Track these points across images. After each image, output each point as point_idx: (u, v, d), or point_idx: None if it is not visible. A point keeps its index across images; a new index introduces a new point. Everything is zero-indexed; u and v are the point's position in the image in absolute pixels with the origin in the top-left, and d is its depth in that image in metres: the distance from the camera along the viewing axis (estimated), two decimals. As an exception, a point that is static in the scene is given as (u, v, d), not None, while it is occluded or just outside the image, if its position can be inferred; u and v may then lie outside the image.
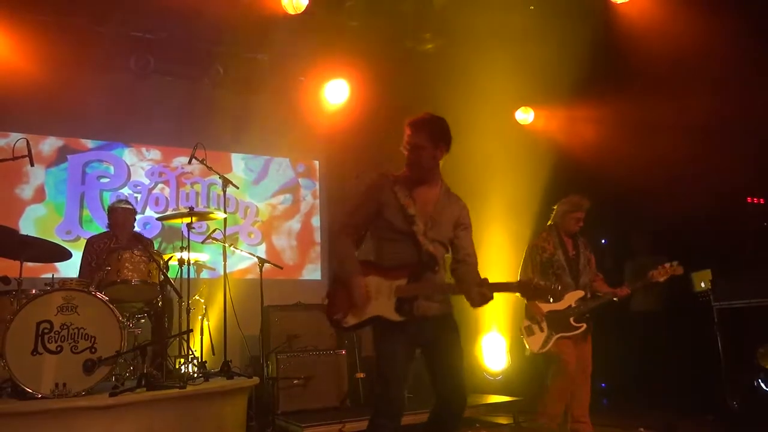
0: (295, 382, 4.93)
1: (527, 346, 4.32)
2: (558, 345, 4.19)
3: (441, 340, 2.75)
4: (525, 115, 6.90)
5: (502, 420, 5.22)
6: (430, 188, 2.84)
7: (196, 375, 4.16)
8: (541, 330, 4.25)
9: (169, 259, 4.66)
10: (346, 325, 2.76)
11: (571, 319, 4.20)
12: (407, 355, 2.72)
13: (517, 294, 2.78)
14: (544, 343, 4.22)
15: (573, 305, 4.21)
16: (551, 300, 4.06)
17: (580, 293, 4.25)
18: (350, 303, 2.72)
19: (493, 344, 6.47)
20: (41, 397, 3.18)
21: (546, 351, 4.20)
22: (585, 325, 4.19)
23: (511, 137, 6.67)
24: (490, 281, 2.65)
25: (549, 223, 4.52)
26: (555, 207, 4.49)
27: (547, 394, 4.26)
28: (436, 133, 2.80)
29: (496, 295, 2.68)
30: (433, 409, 2.78)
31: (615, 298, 4.25)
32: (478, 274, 2.78)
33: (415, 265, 2.73)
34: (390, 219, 2.76)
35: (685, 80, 5.11)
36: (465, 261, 2.85)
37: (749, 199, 5.22)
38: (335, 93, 6.72)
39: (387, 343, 2.70)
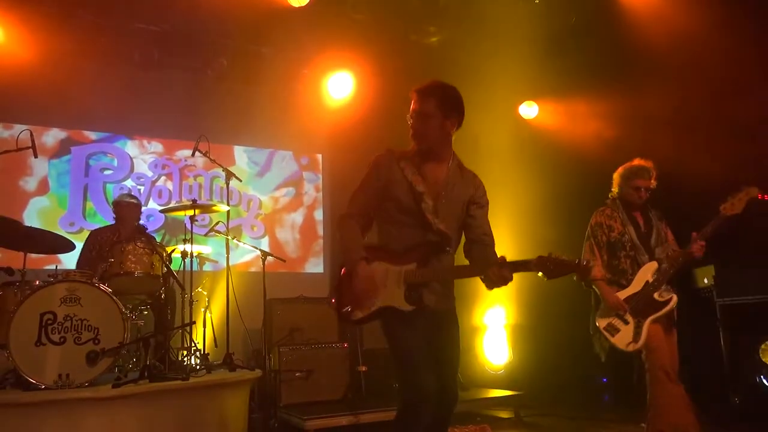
0: (297, 374, 4.95)
1: (616, 345, 3.55)
2: (649, 332, 3.48)
3: (443, 334, 2.58)
4: (529, 109, 6.88)
5: (504, 414, 5.23)
6: (440, 164, 2.61)
7: (198, 367, 4.18)
8: (626, 322, 3.56)
9: (173, 251, 4.68)
10: (354, 319, 2.53)
11: (656, 295, 3.52)
12: (424, 339, 2.49)
13: (539, 274, 2.43)
14: (636, 335, 3.50)
15: (650, 280, 3.55)
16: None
17: (654, 265, 3.58)
18: (357, 296, 2.49)
19: (496, 339, 6.47)
20: (45, 388, 3.20)
21: (642, 344, 3.47)
22: (674, 296, 3.51)
23: (516, 131, 6.66)
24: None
25: (611, 194, 3.83)
26: (614, 176, 3.81)
27: (651, 408, 3.45)
28: (447, 102, 2.56)
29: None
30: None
31: (696, 253, 3.48)
32: (496, 255, 2.52)
33: (425, 246, 2.51)
34: (397, 197, 2.54)
35: (690, 75, 5.08)
36: (481, 240, 2.62)
37: (759, 196, 5.19)
38: (339, 86, 6.71)
39: (402, 331, 2.48)
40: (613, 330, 3.58)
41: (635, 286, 3.56)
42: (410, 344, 2.47)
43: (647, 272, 3.57)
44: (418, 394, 2.40)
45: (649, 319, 3.48)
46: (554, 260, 2.31)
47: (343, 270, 2.60)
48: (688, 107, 5.02)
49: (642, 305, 3.52)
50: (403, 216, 2.55)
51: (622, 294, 3.57)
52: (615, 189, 3.78)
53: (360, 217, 2.62)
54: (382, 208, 2.61)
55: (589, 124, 6.02)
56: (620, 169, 3.76)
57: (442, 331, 2.58)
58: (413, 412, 2.41)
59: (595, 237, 3.73)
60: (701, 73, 4.96)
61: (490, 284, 2.42)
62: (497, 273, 2.35)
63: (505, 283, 2.37)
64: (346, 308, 2.54)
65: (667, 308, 3.50)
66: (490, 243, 2.64)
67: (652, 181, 3.67)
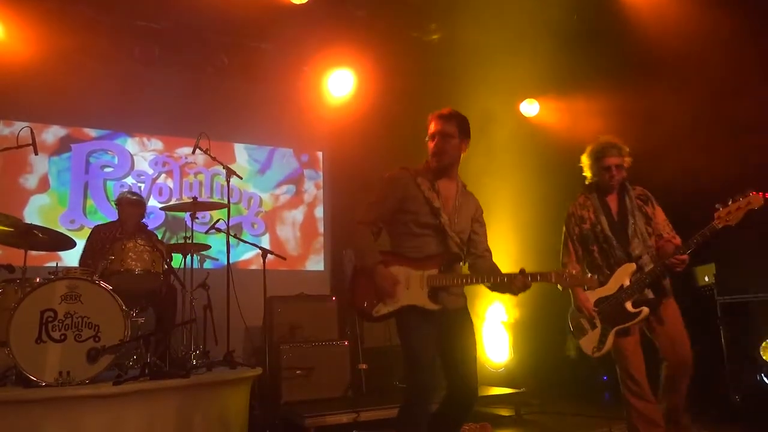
0: (297, 372, 4.95)
1: (582, 347, 3.37)
2: (618, 343, 3.23)
3: (459, 331, 2.81)
4: (530, 107, 6.86)
5: (504, 412, 5.23)
6: (450, 182, 2.90)
7: (199, 365, 4.18)
8: (593, 326, 3.28)
9: (175, 247, 4.68)
10: (376, 314, 2.76)
11: (628, 304, 3.18)
12: (436, 341, 2.74)
13: (558, 286, 2.75)
14: (600, 342, 3.24)
15: (626, 284, 3.19)
16: (586, 288, 3.29)
17: (630, 266, 3.21)
18: (376, 293, 2.73)
19: (496, 337, 6.48)
20: (45, 385, 3.20)
21: (605, 352, 3.25)
22: (646, 310, 3.16)
23: (516, 129, 6.64)
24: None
25: (587, 181, 3.49)
26: (582, 158, 3.46)
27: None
28: (463, 126, 2.88)
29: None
30: (443, 400, 2.80)
31: (676, 267, 3.14)
32: (497, 266, 2.88)
33: (445, 255, 2.78)
34: (415, 212, 2.79)
35: (690, 72, 5.06)
36: (484, 256, 2.93)
37: (753, 193, 5.18)
38: (340, 83, 6.70)
39: (418, 331, 2.71)
40: (580, 332, 3.38)
41: (610, 288, 3.25)
42: (422, 344, 2.70)
43: (624, 275, 3.23)
44: (423, 392, 2.65)
45: (614, 329, 3.22)
46: (566, 275, 2.66)
47: (355, 271, 2.86)
48: (692, 105, 5.01)
49: (611, 311, 3.23)
50: (421, 228, 2.80)
51: (595, 294, 3.29)
52: (587, 173, 3.44)
53: (373, 225, 2.89)
54: (399, 220, 2.85)
55: (591, 123, 6.00)
56: (587, 149, 3.42)
57: (459, 329, 2.82)
58: (416, 410, 2.65)
59: (568, 229, 3.46)
60: (705, 70, 4.95)
61: (515, 290, 2.68)
62: (522, 281, 2.64)
63: (525, 290, 2.67)
64: (365, 305, 2.77)
65: (634, 321, 3.19)
66: (491, 258, 2.96)
67: (625, 158, 3.34)
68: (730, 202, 3.10)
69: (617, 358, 3.27)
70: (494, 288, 2.79)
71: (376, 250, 2.79)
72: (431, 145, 2.87)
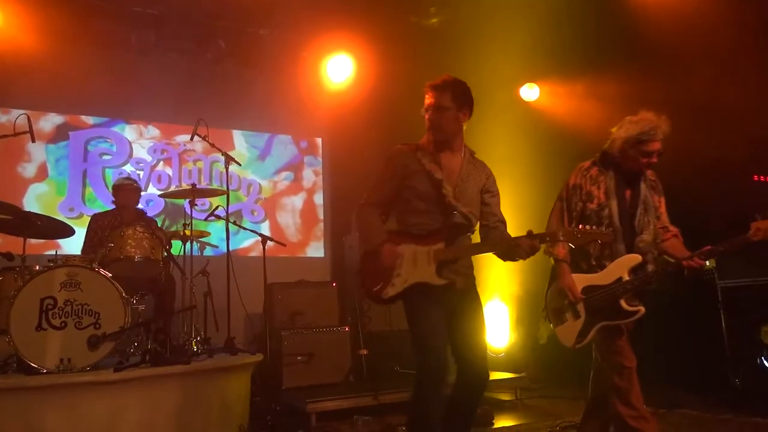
0: (298, 358, 4.96)
1: (557, 336, 3.02)
2: (598, 338, 2.88)
3: (468, 312, 2.74)
4: (530, 91, 6.81)
5: (505, 396, 5.25)
6: (454, 154, 2.78)
7: (199, 351, 4.19)
8: (577, 315, 2.89)
9: (175, 235, 4.67)
10: (386, 297, 2.69)
11: (622, 301, 2.80)
12: (445, 321, 2.67)
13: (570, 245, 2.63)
14: (581, 335, 2.87)
15: (625, 278, 2.81)
16: (593, 264, 2.89)
17: (635, 258, 2.83)
18: (386, 274, 2.67)
19: (496, 321, 6.48)
20: (46, 372, 3.20)
21: (583, 345, 2.89)
22: (642, 309, 2.79)
23: (517, 114, 6.60)
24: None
25: (604, 149, 2.99)
26: (613, 130, 2.96)
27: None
28: (459, 95, 2.74)
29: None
30: (455, 386, 2.72)
31: (685, 270, 2.80)
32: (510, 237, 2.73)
33: (449, 228, 2.69)
34: (416, 186, 2.70)
35: (692, 57, 5.02)
36: (497, 227, 2.79)
37: (755, 177, 5.17)
38: (339, 68, 6.65)
39: (425, 311, 2.64)
40: (558, 319, 2.98)
41: (605, 277, 2.85)
42: (431, 325, 2.62)
43: (624, 266, 2.83)
44: (434, 375, 2.57)
45: (600, 324, 2.83)
46: (578, 232, 2.55)
47: (363, 255, 2.78)
48: (690, 90, 4.97)
49: (601, 304, 2.84)
50: (423, 203, 2.71)
51: (585, 280, 2.88)
52: (611, 147, 2.95)
53: (378, 206, 2.80)
54: (402, 198, 2.76)
55: (592, 107, 5.96)
56: (626, 125, 2.90)
57: (467, 308, 2.75)
58: (428, 393, 2.59)
59: (569, 202, 3.00)
60: (705, 55, 4.91)
61: (523, 254, 2.58)
62: (529, 243, 2.54)
63: (533, 253, 2.57)
64: (376, 287, 2.70)
65: (626, 321, 2.81)
66: (505, 228, 2.81)
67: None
68: (753, 224, 2.75)
69: (600, 358, 2.93)
70: (502, 256, 2.71)
71: (382, 231, 2.73)
72: (426, 118, 2.75)
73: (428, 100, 2.74)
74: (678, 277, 2.93)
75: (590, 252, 2.92)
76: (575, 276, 2.90)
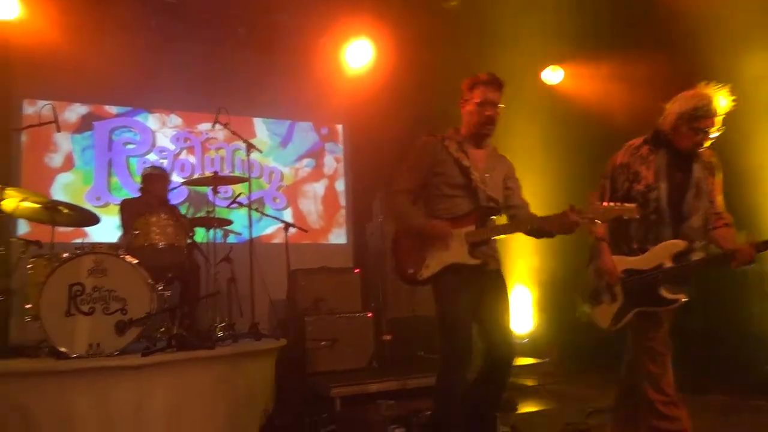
0: (322, 344, 4.99)
1: (592, 317, 2.90)
2: (633, 323, 2.75)
3: (496, 292, 2.86)
4: (553, 74, 6.69)
5: (528, 382, 5.23)
6: (478, 147, 2.92)
7: (224, 336, 4.23)
8: (613, 298, 2.78)
9: (199, 221, 4.70)
10: (421, 278, 2.80)
11: (663, 289, 2.65)
12: (473, 303, 2.78)
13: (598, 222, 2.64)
14: (617, 318, 2.76)
15: (666, 264, 2.66)
16: (634, 248, 2.75)
17: (679, 244, 2.67)
18: (424, 253, 2.78)
19: (520, 306, 6.44)
20: (76, 357, 3.27)
21: (618, 329, 2.79)
22: (683, 297, 2.64)
23: (541, 97, 6.49)
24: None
25: (657, 127, 2.81)
26: (666, 106, 2.77)
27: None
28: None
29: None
30: (482, 368, 2.81)
31: (733, 263, 2.64)
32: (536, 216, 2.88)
33: (479, 210, 2.82)
34: (445, 173, 2.83)
35: (716, 38, 4.87)
36: (522, 206, 2.96)
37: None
38: (359, 54, 6.60)
39: (455, 293, 2.75)
40: (595, 299, 2.87)
41: (646, 262, 2.71)
42: (459, 308, 2.74)
43: (667, 252, 2.67)
44: (459, 359, 2.69)
45: (636, 309, 2.72)
46: (605, 207, 2.58)
47: (396, 237, 2.93)
48: (715, 71, 4.82)
49: (640, 289, 2.71)
50: (452, 189, 2.84)
51: (626, 263, 2.75)
52: (663, 123, 2.75)
53: (408, 193, 2.90)
54: (431, 184, 2.88)
55: (618, 89, 5.83)
56: (681, 99, 2.70)
57: (494, 293, 2.86)
58: (453, 376, 2.71)
59: (614, 181, 2.82)
60: (728, 36, 4.75)
61: (565, 229, 2.65)
62: (572, 218, 2.59)
63: (570, 229, 2.63)
64: (411, 270, 2.82)
65: (665, 308, 2.68)
66: (528, 208, 2.97)
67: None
68: None
69: (640, 339, 2.76)
70: (535, 233, 2.82)
71: (417, 211, 2.87)
72: (482, 112, 2.83)
73: (485, 95, 2.82)
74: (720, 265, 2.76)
75: (632, 235, 2.78)
76: (616, 258, 2.77)
